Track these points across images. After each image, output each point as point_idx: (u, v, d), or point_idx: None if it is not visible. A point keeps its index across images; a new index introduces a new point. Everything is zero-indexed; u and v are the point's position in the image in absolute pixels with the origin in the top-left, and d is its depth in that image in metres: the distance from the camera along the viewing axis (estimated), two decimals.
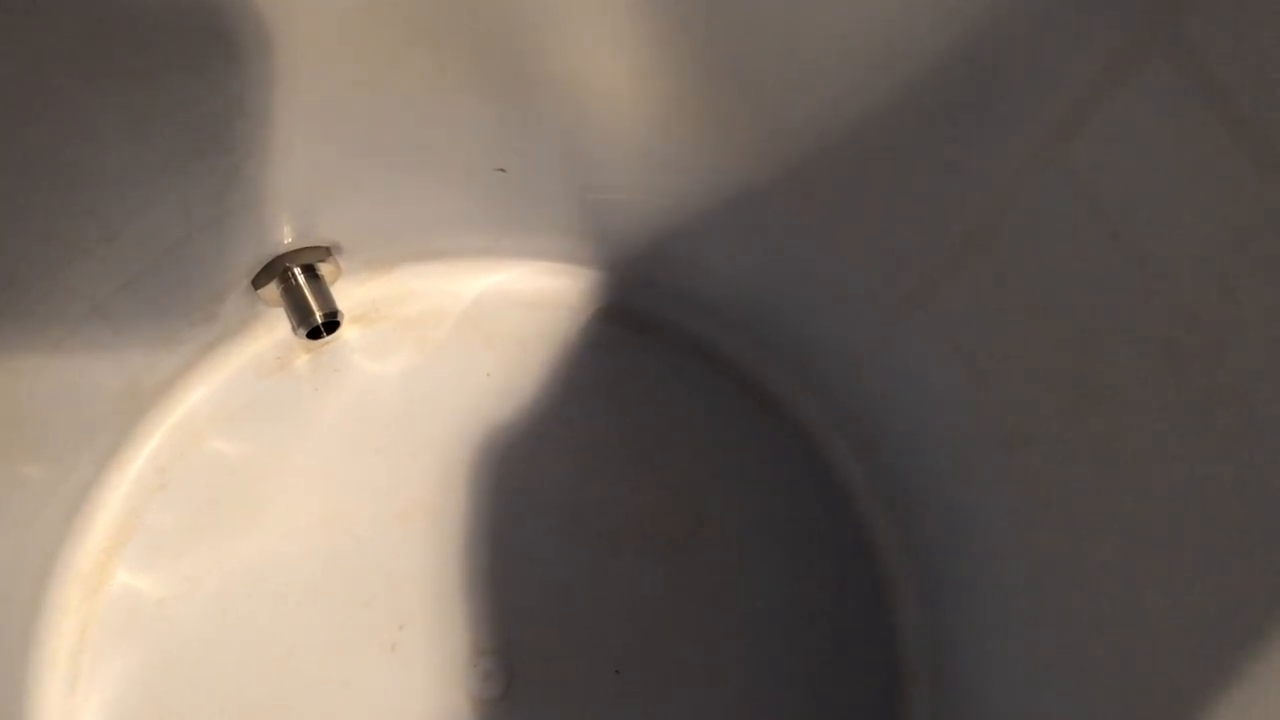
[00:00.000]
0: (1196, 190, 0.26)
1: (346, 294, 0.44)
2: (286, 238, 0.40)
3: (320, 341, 0.44)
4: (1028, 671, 0.36)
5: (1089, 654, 0.32)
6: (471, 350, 0.45)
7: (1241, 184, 0.24)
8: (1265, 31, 0.23)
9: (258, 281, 0.41)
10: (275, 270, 0.41)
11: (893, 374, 0.41)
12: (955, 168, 0.32)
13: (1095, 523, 0.32)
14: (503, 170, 0.39)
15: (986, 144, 0.30)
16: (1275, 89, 0.23)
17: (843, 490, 0.44)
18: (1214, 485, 0.27)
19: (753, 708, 0.41)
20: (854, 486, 0.44)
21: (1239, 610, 0.26)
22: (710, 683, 0.41)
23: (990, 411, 0.36)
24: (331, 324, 0.42)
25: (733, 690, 0.41)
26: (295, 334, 0.42)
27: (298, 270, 0.41)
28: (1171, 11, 0.24)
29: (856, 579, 0.43)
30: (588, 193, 0.40)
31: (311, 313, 0.41)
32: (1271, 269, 0.24)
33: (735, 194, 0.38)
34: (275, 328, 0.44)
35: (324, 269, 0.42)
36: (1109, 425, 0.31)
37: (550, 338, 0.45)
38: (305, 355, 0.44)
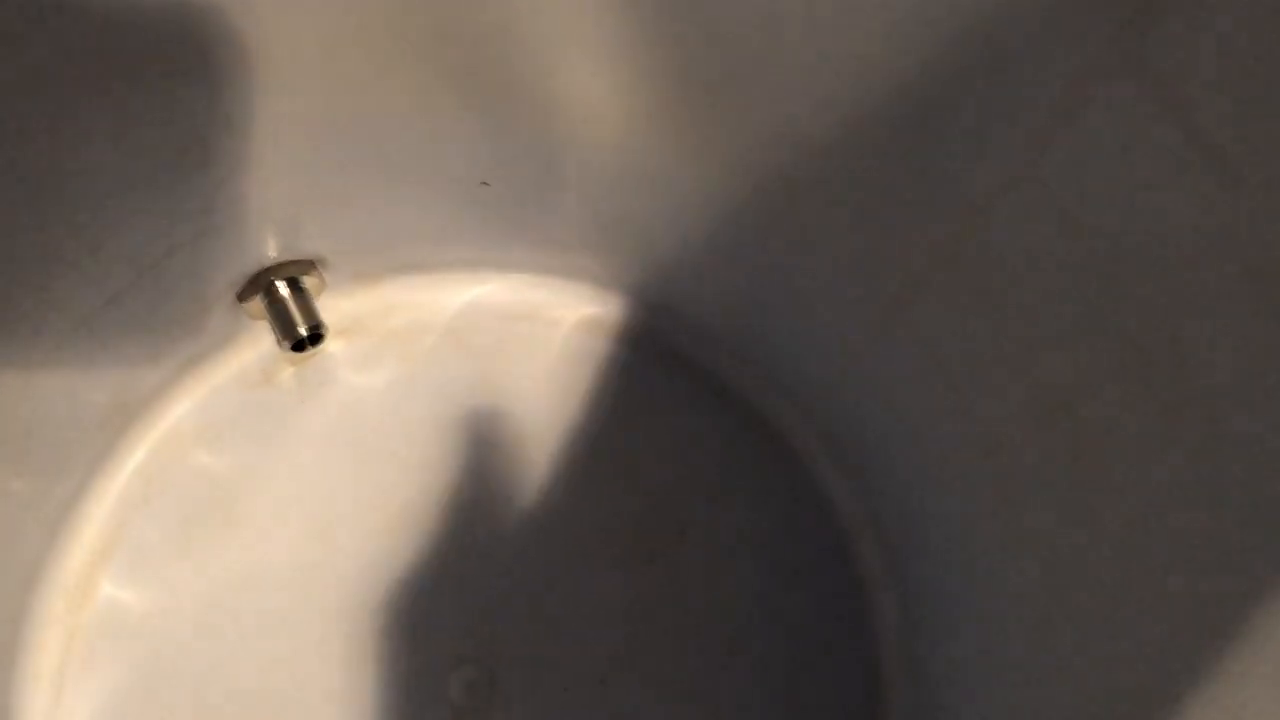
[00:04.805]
0: (1162, 204, 0.26)
1: (331, 307, 0.44)
2: (271, 251, 0.40)
3: (305, 354, 0.44)
4: (1006, 680, 0.36)
5: (1068, 662, 0.33)
6: (456, 362, 0.45)
7: (1203, 197, 0.25)
8: (1223, 51, 0.23)
9: (242, 295, 0.41)
10: (260, 284, 0.41)
11: (871, 384, 0.41)
12: (929, 182, 0.32)
13: (1072, 529, 0.32)
14: (487, 184, 0.40)
15: (960, 158, 0.31)
16: (1232, 106, 0.24)
17: (823, 500, 0.45)
18: (1185, 492, 0.28)
19: (736, 717, 0.42)
20: (834, 496, 0.45)
21: (1215, 614, 0.27)
22: (693, 692, 0.42)
23: (967, 420, 0.36)
24: (316, 337, 0.42)
25: (717, 699, 0.42)
26: (280, 347, 0.42)
27: (282, 283, 0.41)
28: (1134, 33, 0.25)
29: (837, 588, 0.44)
30: (570, 206, 0.41)
31: (296, 326, 0.41)
32: (1233, 280, 0.25)
33: (714, 208, 0.38)
34: (260, 341, 0.44)
35: (308, 282, 0.42)
36: (1082, 432, 0.31)
37: (533, 350, 0.46)
38: (290, 368, 0.44)
